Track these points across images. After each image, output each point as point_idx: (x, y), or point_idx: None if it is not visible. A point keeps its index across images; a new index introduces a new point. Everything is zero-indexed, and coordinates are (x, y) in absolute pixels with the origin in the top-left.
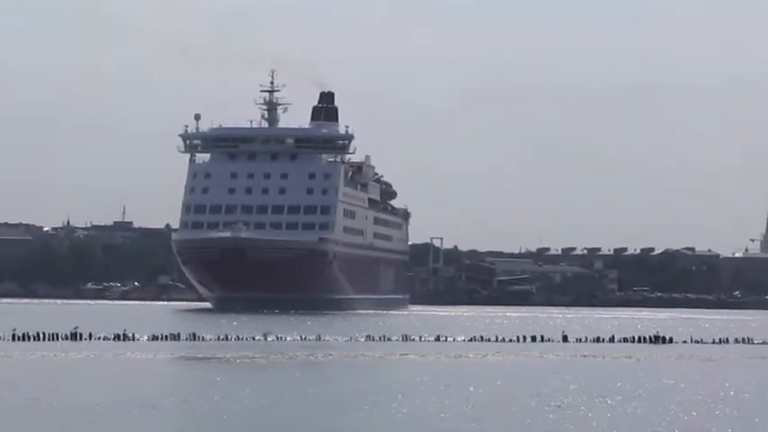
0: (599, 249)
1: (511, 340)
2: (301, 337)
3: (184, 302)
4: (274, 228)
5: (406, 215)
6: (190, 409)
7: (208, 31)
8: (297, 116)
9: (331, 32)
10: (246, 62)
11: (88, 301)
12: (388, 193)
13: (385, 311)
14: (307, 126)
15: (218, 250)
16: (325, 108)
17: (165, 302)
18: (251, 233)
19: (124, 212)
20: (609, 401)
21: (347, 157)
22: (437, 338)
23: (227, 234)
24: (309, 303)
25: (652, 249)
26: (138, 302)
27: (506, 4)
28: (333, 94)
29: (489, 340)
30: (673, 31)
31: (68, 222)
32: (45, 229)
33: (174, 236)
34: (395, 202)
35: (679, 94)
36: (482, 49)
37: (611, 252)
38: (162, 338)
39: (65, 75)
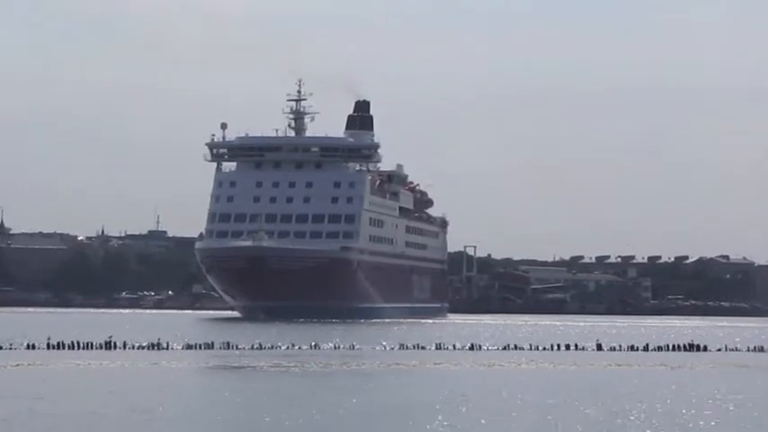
0: (633, 257)
1: (545, 348)
2: (335, 345)
3: (215, 311)
4: (298, 237)
5: (443, 224)
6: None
7: (236, 39)
8: (328, 125)
9: (366, 40)
10: (275, 71)
11: (122, 311)
12: (424, 201)
13: (420, 320)
14: (339, 135)
15: (240, 259)
16: (361, 117)
17: (199, 311)
18: (273, 242)
19: (158, 222)
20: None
21: (377, 165)
22: (471, 347)
23: (248, 243)
24: (335, 312)
25: (686, 257)
26: (172, 311)
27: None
28: (368, 103)
29: (522, 349)
30: (703, 36)
31: (103, 232)
32: (80, 238)
33: (197, 244)
34: (432, 211)
35: (711, 99)
36: (518, 55)
37: (645, 260)
38: (196, 347)
39: (96, 86)
